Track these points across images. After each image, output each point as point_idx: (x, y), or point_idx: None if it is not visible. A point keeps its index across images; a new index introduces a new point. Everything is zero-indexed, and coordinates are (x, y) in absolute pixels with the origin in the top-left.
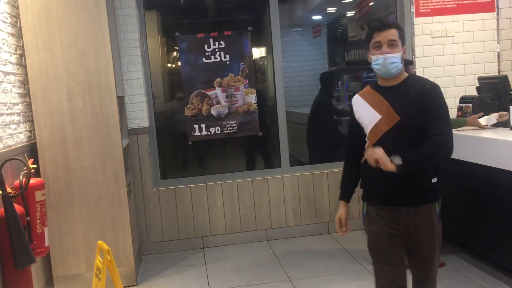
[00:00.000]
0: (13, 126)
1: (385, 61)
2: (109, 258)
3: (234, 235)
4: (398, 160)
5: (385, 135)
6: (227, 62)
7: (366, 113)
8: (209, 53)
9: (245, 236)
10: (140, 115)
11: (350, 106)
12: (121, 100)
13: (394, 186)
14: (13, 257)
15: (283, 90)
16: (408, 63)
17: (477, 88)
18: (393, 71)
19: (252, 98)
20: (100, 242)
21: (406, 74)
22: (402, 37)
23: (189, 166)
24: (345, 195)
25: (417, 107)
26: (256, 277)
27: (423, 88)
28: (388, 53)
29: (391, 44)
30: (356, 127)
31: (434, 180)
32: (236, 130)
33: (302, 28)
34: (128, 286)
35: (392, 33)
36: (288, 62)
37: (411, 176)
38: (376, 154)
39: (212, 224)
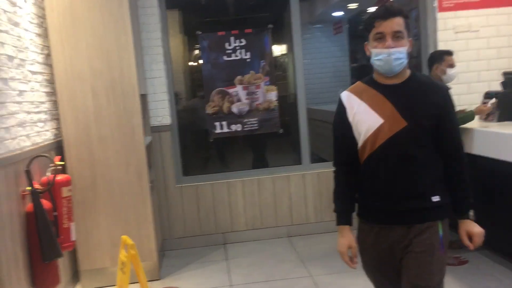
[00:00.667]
0: (40, 124)
1: (389, 57)
2: (133, 252)
3: (255, 231)
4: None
5: (386, 143)
6: (248, 60)
7: (364, 116)
8: (230, 51)
9: (266, 232)
10: (163, 113)
11: (339, 104)
12: (144, 98)
13: (390, 203)
14: (41, 251)
15: (304, 87)
16: (444, 54)
17: (502, 83)
18: (397, 69)
19: (273, 95)
20: (124, 237)
21: (409, 71)
22: (408, 26)
23: (211, 163)
24: (347, 218)
25: (428, 111)
26: (277, 272)
27: (436, 91)
28: (392, 47)
29: (397, 36)
30: (346, 129)
31: (436, 198)
32: (256, 127)
33: (323, 25)
34: (152, 281)
35: (398, 23)
36: (309, 59)
37: (409, 194)
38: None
39: (233, 220)
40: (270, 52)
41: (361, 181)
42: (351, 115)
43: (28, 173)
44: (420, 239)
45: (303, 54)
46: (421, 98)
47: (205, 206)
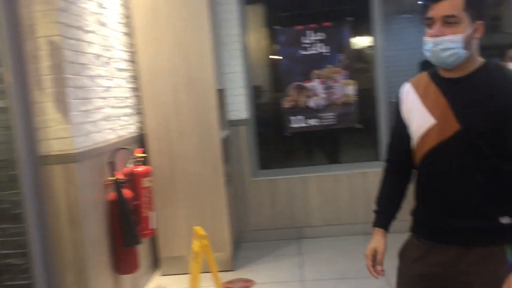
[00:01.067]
0: (124, 118)
1: (435, 48)
2: (205, 243)
3: (330, 227)
4: None
5: (436, 148)
6: (326, 54)
7: (416, 113)
8: (308, 45)
9: (341, 229)
10: (240, 107)
11: (397, 95)
12: (221, 93)
13: (443, 218)
14: (121, 237)
15: (384, 80)
16: (509, 47)
17: None
18: (449, 61)
19: (351, 89)
20: (196, 228)
21: (481, 61)
22: (473, 7)
23: (287, 157)
24: (383, 221)
25: (490, 112)
26: (350, 270)
27: (507, 85)
28: (438, 36)
29: (448, 21)
30: (400, 125)
31: (506, 220)
32: (333, 122)
33: (412, 14)
34: (226, 271)
35: (451, 5)
36: (393, 50)
37: (465, 211)
38: None
39: (308, 215)
40: (349, 45)
41: (415, 188)
42: (405, 111)
43: (111, 164)
44: (481, 271)
45: (388, 46)
46: (485, 95)
47: (281, 200)
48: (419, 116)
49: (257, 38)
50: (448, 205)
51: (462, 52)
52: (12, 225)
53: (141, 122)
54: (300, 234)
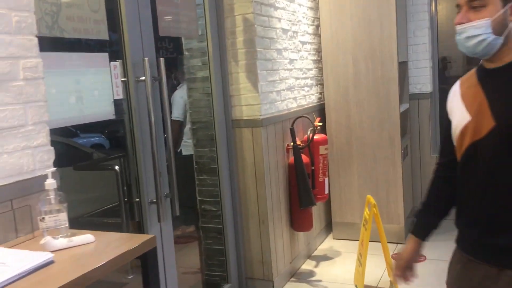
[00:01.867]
0: (306, 89)
1: (459, 37)
2: (375, 211)
3: None
4: None
5: (470, 148)
6: None
7: (456, 110)
8: None
9: None
10: (423, 80)
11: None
12: (403, 65)
13: (476, 231)
14: (298, 198)
15: None
16: None
17: None
18: (479, 50)
19: None
20: (368, 196)
21: None
22: None
23: None
24: (418, 229)
25: None
26: None
27: None
28: (463, 22)
29: (472, 5)
30: (447, 126)
31: None
32: None
33: None
34: (398, 243)
35: None
36: None
37: (500, 225)
38: None
39: None
40: None
41: (469, 199)
42: (449, 108)
43: (292, 130)
44: None
45: None
46: None
47: None
48: (457, 113)
49: (447, 7)
50: (480, 216)
51: (492, 38)
52: (209, 177)
53: (321, 92)
54: None
